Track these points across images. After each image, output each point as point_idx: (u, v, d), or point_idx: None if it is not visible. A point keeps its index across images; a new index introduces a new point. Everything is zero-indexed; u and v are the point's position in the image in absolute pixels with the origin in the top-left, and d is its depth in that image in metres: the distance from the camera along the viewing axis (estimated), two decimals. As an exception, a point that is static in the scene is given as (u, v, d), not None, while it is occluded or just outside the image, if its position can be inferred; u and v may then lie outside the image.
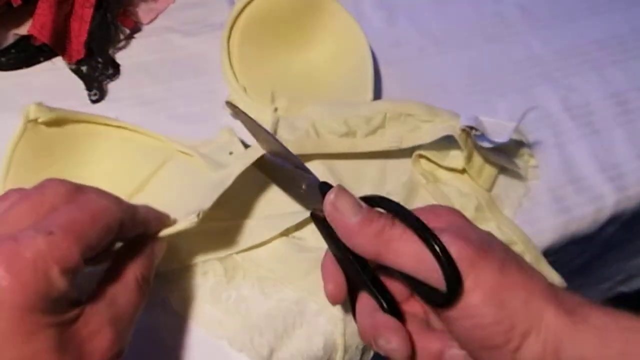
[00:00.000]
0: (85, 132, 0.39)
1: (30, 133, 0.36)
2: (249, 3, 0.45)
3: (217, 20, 0.51)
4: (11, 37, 0.46)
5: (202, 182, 0.37)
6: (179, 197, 0.37)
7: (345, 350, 0.35)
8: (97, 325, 0.26)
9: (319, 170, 0.41)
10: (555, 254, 0.43)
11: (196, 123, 0.44)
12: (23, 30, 0.45)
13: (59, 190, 0.27)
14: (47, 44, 0.44)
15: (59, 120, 0.37)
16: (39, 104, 0.36)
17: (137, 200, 0.37)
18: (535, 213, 0.42)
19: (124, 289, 0.28)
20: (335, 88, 0.45)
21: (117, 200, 0.29)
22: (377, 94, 0.46)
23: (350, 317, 0.35)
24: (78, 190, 0.27)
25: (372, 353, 0.37)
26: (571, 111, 0.48)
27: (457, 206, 0.40)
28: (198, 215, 0.32)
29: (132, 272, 0.29)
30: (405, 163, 0.42)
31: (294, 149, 0.39)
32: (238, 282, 0.36)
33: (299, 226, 0.38)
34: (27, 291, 0.22)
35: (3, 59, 0.46)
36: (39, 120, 0.36)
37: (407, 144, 0.41)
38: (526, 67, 0.51)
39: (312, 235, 0.38)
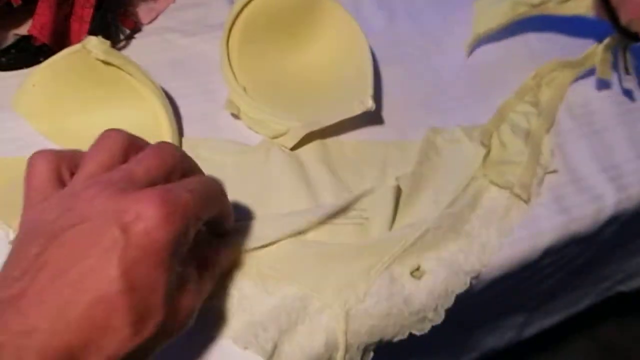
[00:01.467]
0: (123, 82, 0.42)
1: (80, 56, 0.41)
2: (248, 3, 0.45)
3: (217, 20, 0.51)
4: (11, 37, 0.46)
5: None
6: None
7: (347, 350, 0.35)
8: (191, 286, 0.29)
9: (318, 169, 0.41)
10: (555, 254, 0.43)
11: (196, 123, 0.44)
12: (23, 30, 0.45)
13: (177, 154, 0.30)
14: (47, 44, 0.44)
15: (107, 62, 0.41)
16: (102, 42, 0.40)
17: None
18: (535, 213, 0.42)
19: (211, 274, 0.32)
20: (334, 88, 0.45)
21: (219, 182, 0.32)
22: (377, 94, 0.46)
23: (352, 314, 0.35)
24: (188, 158, 0.31)
25: (372, 354, 0.37)
26: (571, 111, 0.48)
27: None
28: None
29: (214, 261, 0.33)
30: (404, 164, 0.43)
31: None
32: (240, 281, 0.36)
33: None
34: (174, 232, 0.26)
35: (3, 59, 0.46)
36: (92, 54, 0.40)
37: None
38: (526, 67, 0.51)
39: (313, 230, 0.38)
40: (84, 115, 0.42)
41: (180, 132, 0.44)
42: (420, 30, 0.54)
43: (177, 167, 0.29)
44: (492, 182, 0.42)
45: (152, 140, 0.41)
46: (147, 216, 0.25)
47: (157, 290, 0.25)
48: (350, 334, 0.35)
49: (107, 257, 0.24)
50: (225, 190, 0.32)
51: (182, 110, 0.45)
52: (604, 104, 0.49)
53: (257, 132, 0.44)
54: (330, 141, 0.44)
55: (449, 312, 0.40)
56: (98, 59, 0.40)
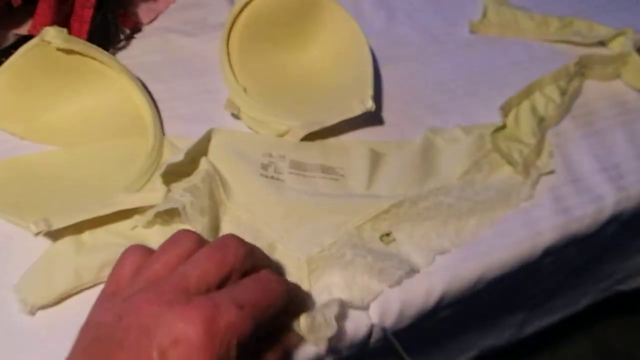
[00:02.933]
0: (89, 67, 0.41)
1: (40, 49, 0.40)
2: (248, 3, 0.45)
3: (217, 20, 0.51)
4: (11, 37, 0.46)
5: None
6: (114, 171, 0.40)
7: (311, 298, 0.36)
8: None
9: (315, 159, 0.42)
10: (555, 254, 0.43)
11: (196, 123, 0.44)
12: (23, 30, 0.45)
13: (239, 253, 0.29)
14: (47, 44, 0.44)
15: (69, 50, 0.40)
16: (60, 30, 0.39)
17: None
18: (535, 213, 0.42)
19: None
20: (335, 88, 0.46)
21: (286, 282, 0.31)
22: (377, 94, 0.46)
23: (315, 261, 0.36)
24: (253, 255, 0.30)
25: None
26: (571, 111, 0.48)
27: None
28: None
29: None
30: (404, 164, 0.43)
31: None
32: (220, 216, 0.38)
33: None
34: (212, 355, 0.25)
35: (3, 59, 0.45)
36: (52, 44, 0.39)
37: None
38: (526, 67, 0.51)
39: (288, 175, 0.40)
40: (57, 109, 0.42)
41: (180, 132, 0.44)
42: (420, 30, 0.54)
43: (237, 267, 0.28)
44: (499, 155, 0.43)
45: (132, 120, 0.41)
46: (187, 338, 0.24)
47: None
48: (314, 279, 0.36)
49: None
50: (287, 289, 0.30)
51: (182, 111, 0.45)
52: (603, 104, 0.49)
53: (257, 132, 0.44)
54: (331, 141, 0.44)
55: (448, 312, 0.40)
56: (59, 49, 0.40)
